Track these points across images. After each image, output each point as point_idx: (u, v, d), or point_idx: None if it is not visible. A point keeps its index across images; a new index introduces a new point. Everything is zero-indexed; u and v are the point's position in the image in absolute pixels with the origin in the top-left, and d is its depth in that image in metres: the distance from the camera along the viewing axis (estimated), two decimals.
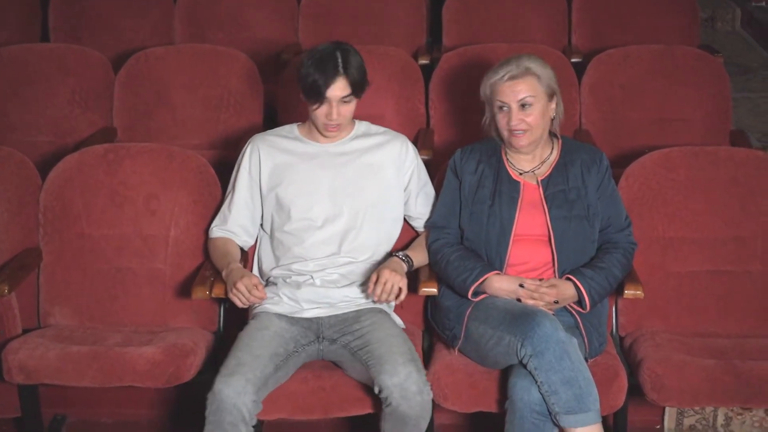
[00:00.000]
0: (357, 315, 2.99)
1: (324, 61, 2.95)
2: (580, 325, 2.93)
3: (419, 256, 3.11)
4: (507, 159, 3.09)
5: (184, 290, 3.24)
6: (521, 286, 2.92)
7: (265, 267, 3.13)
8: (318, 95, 2.95)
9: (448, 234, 3.08)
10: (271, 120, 4.21)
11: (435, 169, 3.37)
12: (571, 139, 3.20)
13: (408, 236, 3.23)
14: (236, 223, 3.13)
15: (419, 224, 3.20)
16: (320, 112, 2.99)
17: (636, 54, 4.17)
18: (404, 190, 3.15)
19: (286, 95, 4.07)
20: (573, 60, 4.36)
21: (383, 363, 2.77)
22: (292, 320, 2.97)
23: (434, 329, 3.15)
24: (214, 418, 2.72)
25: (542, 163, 3.07)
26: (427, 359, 3.04)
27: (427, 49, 4.81)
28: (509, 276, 2.97)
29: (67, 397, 3.45)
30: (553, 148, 3.09)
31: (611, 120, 4.11)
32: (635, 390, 2.97)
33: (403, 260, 3.02)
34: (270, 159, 3.10)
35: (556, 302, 2.92)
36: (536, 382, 2.73)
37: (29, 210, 3.33)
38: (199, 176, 3.32)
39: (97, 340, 3.11)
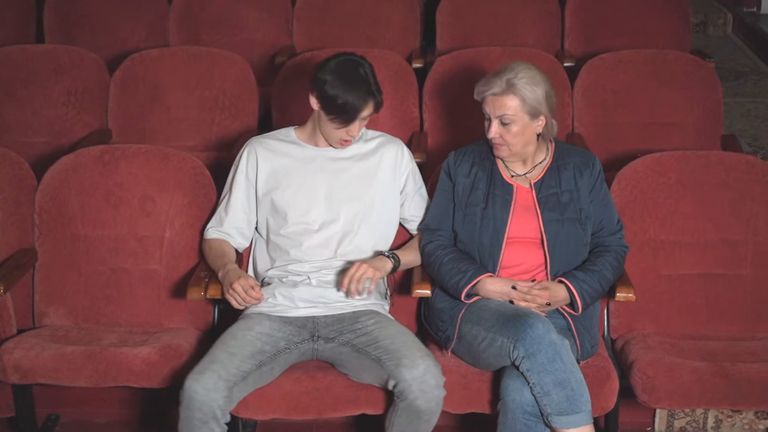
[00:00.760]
0: (355, 315, 3.00)
1: (354, 82, 2.93)
2: (572, 327, 2.95)
3: (409, 256, 3.12)
4: (500, 162, 3.10)
5: (179, 291, 3.25)
6: (514, 288, 2.94)
7: (260, 268, 3.14)
8: (349, 118, 2.96)
9: (441, 236, 3.09)
10: (266, 122, 4.22)
11: (429, 172, 3.38)
12: (565, 142, 3.22)
13: (404, 238, 3.24)
14: (232, 225, 3.14)
15: (413, 226, 3.22)
16: (342, 131, 3.00)
17: (628, 58, 4.19)
18: (400, 193, 3.16)
19: (280, 97, 4.09)
20: (566, 64, 4.38)
21: (401, 357, 2.77)
22: (285, 320, 2.98)
23: (427, 331, 3.16)
24: (184, 414, 2.72)
25: (534, 167, 3.09)
26: None
27: (420, 52, 4.83)
28: (502, 278, 2.98)
29: (61, 397, 3.47)
30: (546, 152, 3.11)
31: (604, 124, 4.13)
32: (626, 392, 2.99)
33: (389, 257, 3.03)
34: (267, 162, 3.11)
35: (549, 304, 2.94)
36: (528, 383, 2.74)
37: (24, 210, 3.34)
38: (194, 178, 3.33)
39: (92, 341, 3.12)
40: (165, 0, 4.98)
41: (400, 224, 3.22)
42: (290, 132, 3.18)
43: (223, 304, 3.23)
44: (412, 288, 3.06)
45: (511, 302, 2.94)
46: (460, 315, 2.97)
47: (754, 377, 2.92)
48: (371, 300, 3.05)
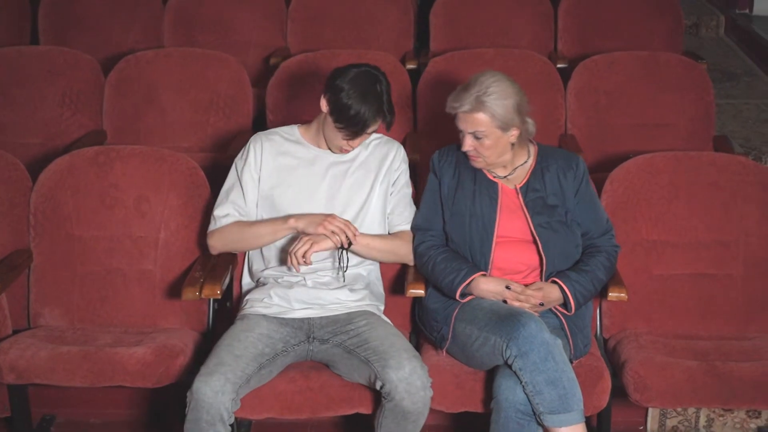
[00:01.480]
0: (348, 317, 3.01)
1: (368, 97, 2.92)
2: (565, 326, 2.97)
3: (377, 241, 3.06)
4: None
5: (174, 291, 3.26)
6: (507, 287, 2.96)
7: (256, 268, 3.14)
8: (356, 131, 2.96)
9: (433, 236, 3.10)
10: (260, 123, 4.23)
11: (422, 172, 3.39)
12: (547, 145, 3.21)
13: None
14: (251, 214, 3.08)
15: (391, 220, 3.15)
16: (347, 140, 3.00)
17: (621, 60, 4.20)
18: (391, 195, 3.16)
19: (275, 98, 4.10)
20: (559, 65, 4.39)
21: (388, 358, 2.79)
22: (282, 321, 2.99)
23: (422, 331, 3.17)
24: (192, 416, 2.73)
25: (516, 169, 3.09)
26: None
27: (414, 53, 4.84)
28: (496, 278, 3.00)
29: (56, 397, 3.47)
30: (528, 155, 3.11)
31: (596, 125, 4.14)
32: (619, 391, 3.00)
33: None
34: (271, 159, 3.10)
35: (542, 304, 2.95)
36: (521, 382, 2.76)
37: (20, 211, 3.35)
38: (189, 179, 3.34)
39: (88, 341, 3.12)
40: (159, 1, 4.99)
41: None
42: (294, 130, 3.17)
43: (217, 303, 3.25)
44: (405, 288, 3.07)
45: (505, 302, 2.95)
46: (454, 314, 2.98)
47: (745, 376, 2.94)
48: (366, 301, 3.07)
